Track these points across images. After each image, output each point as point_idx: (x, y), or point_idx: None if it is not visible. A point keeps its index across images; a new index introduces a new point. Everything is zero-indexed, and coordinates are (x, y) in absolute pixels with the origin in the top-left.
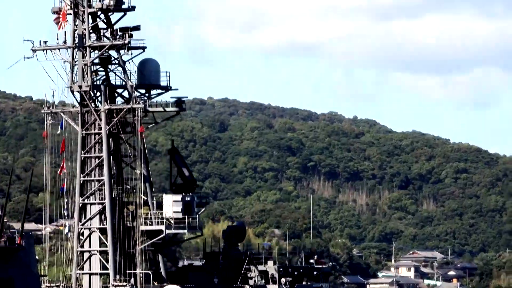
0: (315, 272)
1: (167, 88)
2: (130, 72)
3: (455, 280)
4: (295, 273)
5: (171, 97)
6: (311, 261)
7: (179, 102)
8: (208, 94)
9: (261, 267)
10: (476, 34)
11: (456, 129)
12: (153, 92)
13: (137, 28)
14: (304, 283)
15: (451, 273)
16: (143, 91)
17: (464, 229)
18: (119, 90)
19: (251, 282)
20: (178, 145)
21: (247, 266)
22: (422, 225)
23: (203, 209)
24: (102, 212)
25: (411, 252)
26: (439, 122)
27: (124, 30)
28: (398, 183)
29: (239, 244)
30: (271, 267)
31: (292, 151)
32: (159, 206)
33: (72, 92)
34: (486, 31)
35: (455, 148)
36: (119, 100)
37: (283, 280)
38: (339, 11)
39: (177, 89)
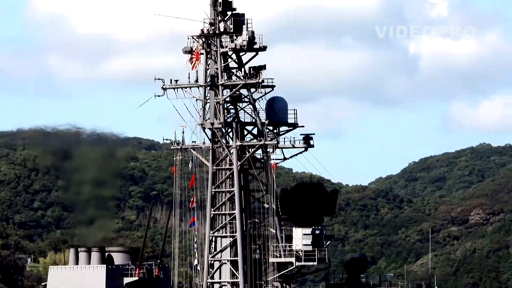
0: None
1: (294, 125)
2: (260, 109)
3: None
4: None
5: (300, 134)
6: None
7: (307, 138)
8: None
9: None
10: (325, 64)
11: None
12: (281, 128)
13: (263, 67)
14: None
15: None
16: (271, 127)
17: None
18: (248, 127)
19: None
20: (20, 174)
21: None
22: None
23: (329, 241)
24: (232, 245)
25: None
26: None
27: (256, 69)
28: None
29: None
30: None
31: (135, 180)
32: (287, 238)
33: (204, 129)
34: (334, 61)
35: (298, 177)
36: (247, 137)
37: None
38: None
39: (303, 126)
